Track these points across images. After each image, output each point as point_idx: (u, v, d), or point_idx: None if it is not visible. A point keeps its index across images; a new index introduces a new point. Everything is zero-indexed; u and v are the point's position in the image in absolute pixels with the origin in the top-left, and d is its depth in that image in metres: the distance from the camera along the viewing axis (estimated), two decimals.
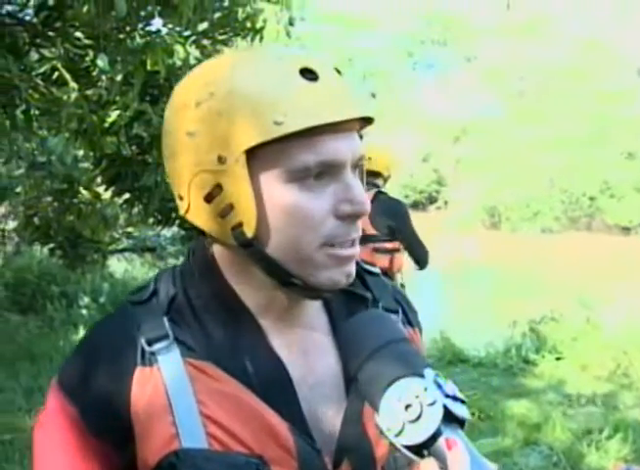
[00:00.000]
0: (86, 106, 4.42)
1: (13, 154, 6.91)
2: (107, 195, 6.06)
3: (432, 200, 39.02)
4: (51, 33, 4.70)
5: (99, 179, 5.76)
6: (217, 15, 4.89)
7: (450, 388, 0.81)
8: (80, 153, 6.30)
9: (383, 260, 4.69)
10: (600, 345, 7.03)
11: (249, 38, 5.06)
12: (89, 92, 4.66)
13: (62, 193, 6.36)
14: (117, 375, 0.96)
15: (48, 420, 1.00)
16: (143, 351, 0.97)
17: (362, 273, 1.15)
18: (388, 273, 4.67)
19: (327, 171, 0.94)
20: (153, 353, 0.97)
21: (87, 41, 4.61)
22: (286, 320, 1.05)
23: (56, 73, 4.46)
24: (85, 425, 0.96)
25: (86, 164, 6.26)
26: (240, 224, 0.95)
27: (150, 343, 0.97)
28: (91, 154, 5.51)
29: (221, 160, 0.92)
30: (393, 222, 4.70)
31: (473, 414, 5.31)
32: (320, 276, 0.97)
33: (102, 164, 5.35)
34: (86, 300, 9.02)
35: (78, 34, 4.63)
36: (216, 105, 0.92)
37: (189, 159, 0.95)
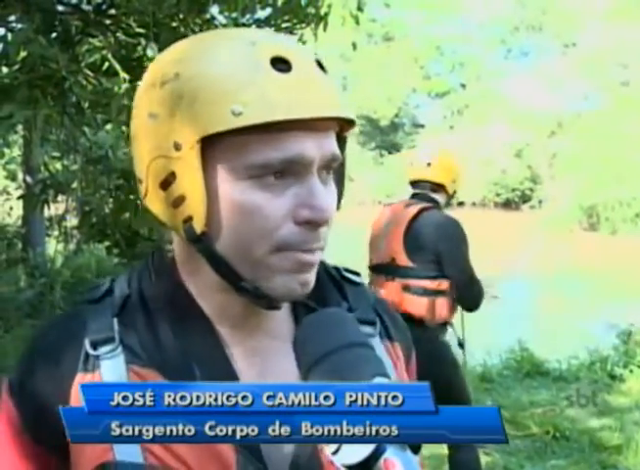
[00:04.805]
0: None
1: (70, 148, 7.09)
2: None
3: (525, 198, 38.59)
4: (106, 21, 4.82)
5: None
6: (280, 0, 4.91)
7: None
8: None
9: (417, 305, 3.57)
10: None
11: (313, 25, 5.08)
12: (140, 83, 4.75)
13: (118, 189, 6.48)
14: (57, 380, 0.96)
15: None
16: (87, 354, 0.97)
17: (340, 281, 1.12)
18: (425, 323, 3.56)
19: (290, 171, 0.92)
20: (96, 358, 0.97)
21: (139, 30, 4.70)
22: (245, 327, 1.02)
23: (106, 64, 4.56)
24: (25, 429, 0.98)
25: None
26: (190, 218, 0.93)
27: (94, 345, 0.97)
28: None
29: (177, 146, 0.91)
30: (440, 249, 3.63)
31: (547, 433, 5.20)
32: (272, 282, 0.95)
33: None
34: None
35: (130, 23, 4.73)
36: (179, 87, 0.91)
37: (149, 141, 0.95)
